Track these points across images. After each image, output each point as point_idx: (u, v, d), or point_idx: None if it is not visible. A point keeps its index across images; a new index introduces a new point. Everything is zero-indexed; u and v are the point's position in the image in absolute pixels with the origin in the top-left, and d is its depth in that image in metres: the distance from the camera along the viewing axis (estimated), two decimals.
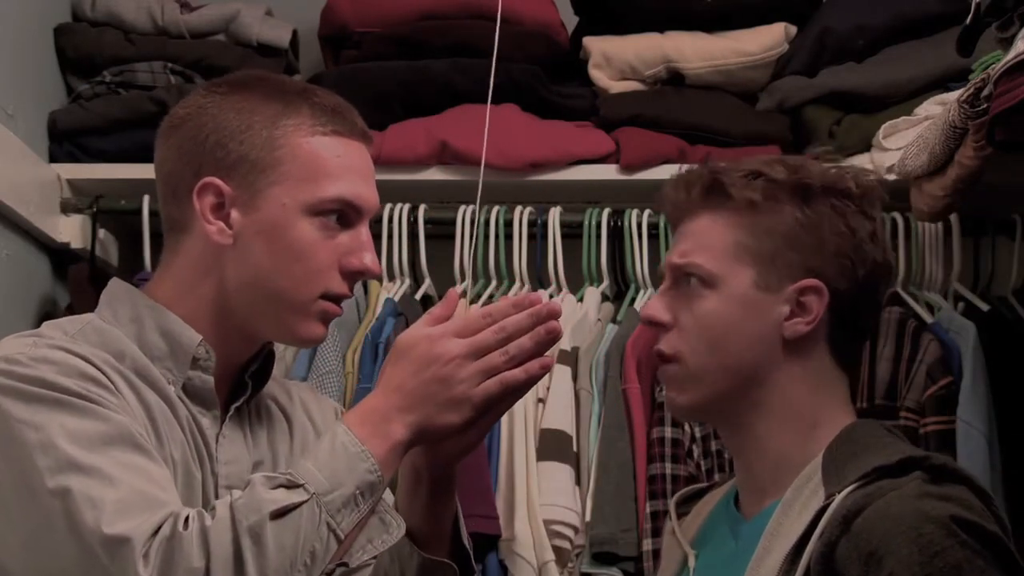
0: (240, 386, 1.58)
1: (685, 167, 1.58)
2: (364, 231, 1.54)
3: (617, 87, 2.74)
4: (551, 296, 2.57)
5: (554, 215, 2.62)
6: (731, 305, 1.50)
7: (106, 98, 2.71)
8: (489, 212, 2.62)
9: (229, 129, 1.51)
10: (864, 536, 1.33)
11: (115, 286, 1.57)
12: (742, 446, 1.55)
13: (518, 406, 2.34)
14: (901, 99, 2.63)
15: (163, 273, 1.56)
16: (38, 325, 2.50)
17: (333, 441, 1.40)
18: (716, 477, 2.30)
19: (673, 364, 1.53)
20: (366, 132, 1.57)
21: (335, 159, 1.52)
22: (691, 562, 1.58)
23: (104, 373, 1.43)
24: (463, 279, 2.62)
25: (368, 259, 1.53)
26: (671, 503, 1.69)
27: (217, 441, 1.53)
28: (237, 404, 1.56)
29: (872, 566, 1.31)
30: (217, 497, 1.50)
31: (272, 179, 1.50)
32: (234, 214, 1.50)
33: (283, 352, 2.43)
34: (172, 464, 1.45)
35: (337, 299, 1.53)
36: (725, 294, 1.50)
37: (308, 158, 1.51)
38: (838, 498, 1.38)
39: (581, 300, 2.58)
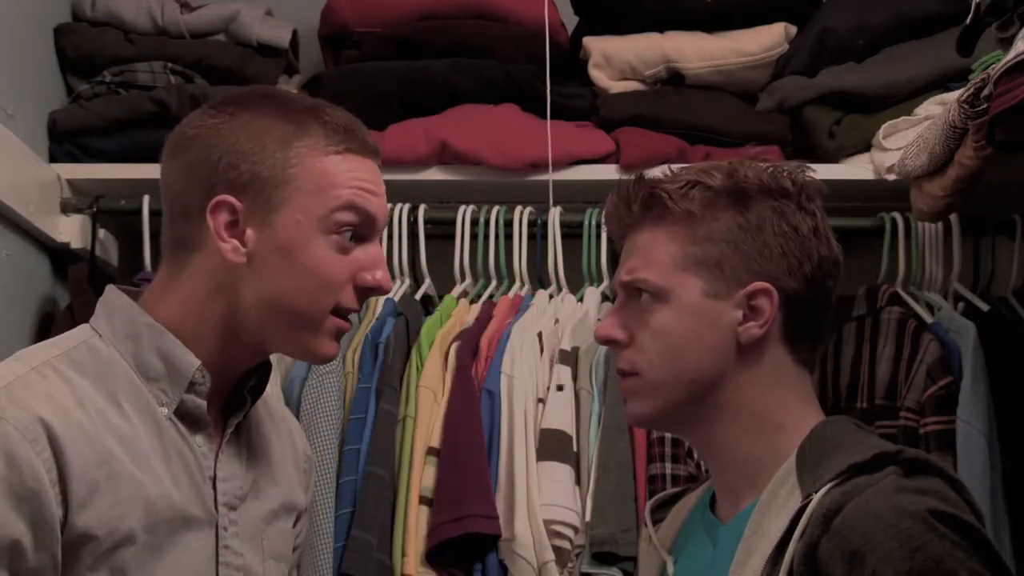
0: (238, 400, 1.58)
1: (627, 177, 1.57)
2: (376, 247, 1.55)
3: (617, 87, 2.74)
4: (551, 297, 2.58)
5: (554, 215, 2.62)
6: (684, 316, 1.50)
7: (106, 98, 2.71)
8: (489, 212, 2.62)
9: (241, 150, 1.50)
10: (845, 535, 1.34)
11: (113, 296, 1.56)
12: (710, 451, 1.56)
13: (518, 406, 2.35)
14: (901, 99, 2.64)
15: (168, 290, 1.54)
16: (38, 325, 2.55)
17: None
18: None
19: (631, 377, 1.54)
20: (376, 148, 1.57)
21: (348, 174, 1.52)
22: (670, 569, 1.57)
23: (52, 432, 1.40)
24: (463, 279, 2.62)
25: (380, 275, 1.54)
26: (646, 509, 1.69)
27: (217, 458, 1.53)
28: (238, 420, 1.56)
29: (855, 564, 1.32)
30: (217, 512, 1.51)
31: (286, 195, 1.50)
32: (248, 232, 1.50)
33: None
34: (141, 498, 1.44)
35: (348, 313, 1.54)
36: (676, 306, 1.51)
37: (321, 175, 1.51)
38: (816, 497, 1.38)
39: (581, 300, 2.58)
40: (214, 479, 1.52)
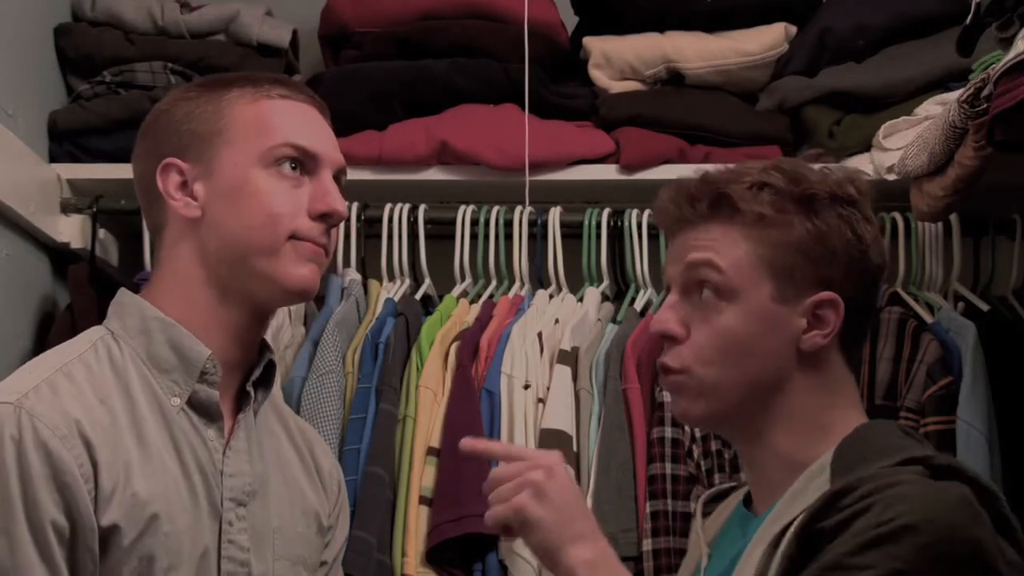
0: (244, 396, 1.60)
1: (679, 176, 1.56)
2: (326, 178, 1.58)
3: (617, 87, 2.74)
4: (551, 297, 2.58)
5: (554, 215, 2.62)
6: (750, 319, 1.48)
7: (106, 98, 2.71)
8: (489, 212, 2.62)
9: (177, 116, 1.58)
10: (848, 501, 1.32)
11: (124, 297, 1.61)
12: (754, 452, 1.54)
13: (518, 406, 2.34)
14: (901, 99, 2.63)
15: (159, 277, 1.60)
16: (38, 325, 2.55)
17: None
18: (716, 477, 2.30)
19: (681, 375, 1.51)
20: (315, 98, 1.62)
21: (280, 113, 1.58)
22: (703, 561, 1.57)
23: (82, 430, 1.45)
24: (463, 279, 2.62)
25: (331, 200, 1.57)
26: (699, 501, 1.68)
27: (225, 453, 1.55)
28: (244, 415, 1.59)
29: (857, 513, 1.31)
30: (223, 508, 1.53)
31: (222, 142, 1.56)
32: (197, 187, 1.56)
33: (283, 352, 2.43)
34: (157, 488, 1.48)
35: (312, 241, 1.56)
36: (744, 307, 1.48)
37: (253, 116, 1.57)
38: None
39: (581, 300, 2.58)
40: (221, 473, 1.54)
